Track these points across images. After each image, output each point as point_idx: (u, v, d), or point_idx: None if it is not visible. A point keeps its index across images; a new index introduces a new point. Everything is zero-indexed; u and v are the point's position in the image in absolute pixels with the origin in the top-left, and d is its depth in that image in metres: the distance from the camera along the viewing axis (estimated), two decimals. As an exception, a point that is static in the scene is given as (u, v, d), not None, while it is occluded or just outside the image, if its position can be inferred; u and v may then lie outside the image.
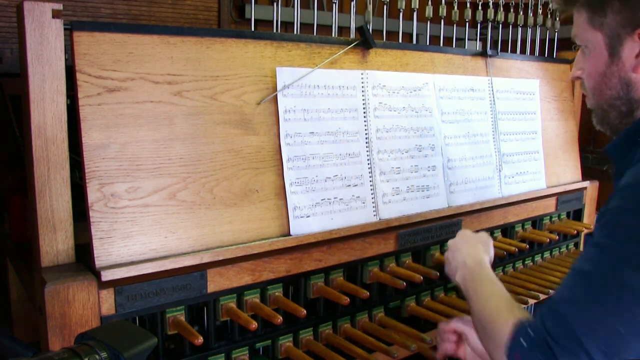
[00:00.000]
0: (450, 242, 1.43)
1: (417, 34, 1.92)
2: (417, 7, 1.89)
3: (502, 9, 2.17)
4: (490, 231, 1.97)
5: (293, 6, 1.67)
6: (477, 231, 1.50)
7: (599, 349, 0.90)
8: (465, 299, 1.30)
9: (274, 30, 1.60)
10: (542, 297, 1.81)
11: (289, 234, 1.45)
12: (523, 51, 2.28)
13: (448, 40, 2.05)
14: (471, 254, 1.33)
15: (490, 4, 2.12)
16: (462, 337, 1.35)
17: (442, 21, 1.99)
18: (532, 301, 1.81)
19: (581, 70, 1.20)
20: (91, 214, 1.18)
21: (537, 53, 2.33)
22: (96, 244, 1.18)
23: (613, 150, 1.17)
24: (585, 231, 2.35)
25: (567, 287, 1.00)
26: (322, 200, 1.51)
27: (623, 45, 1.10)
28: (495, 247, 1.86)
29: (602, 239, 0.99)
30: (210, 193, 1.33)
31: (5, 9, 1.82)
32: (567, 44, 2.48)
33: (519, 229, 2.10)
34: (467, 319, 1.40)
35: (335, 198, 1.54)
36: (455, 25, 2.01)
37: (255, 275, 1.39)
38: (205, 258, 1.28)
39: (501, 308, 1.11)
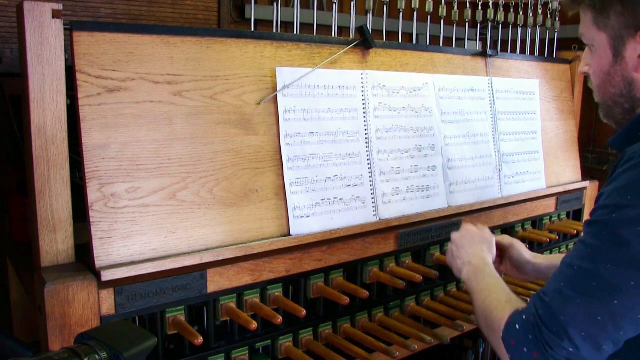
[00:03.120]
0: (454, 236, 1.52)
1: (417, 34, 1.92)
2: (417, 7, 1.89)
3: (502, 9, 2.17)
4: (490, 231, 1.97)
5: (293, 6, 1.67)
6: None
7: (579, 334, 1.02)
8: (468, 294, 1.40)
9: (274, 30, 1.60)
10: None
11: (289, 234, 1.45)
12: (523, 51, 2.28)
13: (448, 40, 2.05)
14: (476, 253, 1.43)
15: (490, 4, 2.12)
16: (504, 253, 1.60)
17: (442, 21, 1.99)
18: (532, 301, 1.81)
19: (588, 66, 1.25)
20: (91, 214, 1.18)
21: (537, 53, 2.33)
22: (96, 244, 1.18)
23: (614, 142, 1.24)
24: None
25: (556, 278, 1.11)
26: (322, 200, 1.51)
27: (626, 46, 1.14)
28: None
29: (589, 238, 1.08)
30: (210, 193, 1.33)
31: (5, 9, 1.82)
32: (567, 44, 2.49)
33: (519, 229, 2.10)
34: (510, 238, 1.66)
35: (335, 198, 1.54)
36: (455, 25, 2.01)
37: (255, 275, 1.39)
38: (205, 258, 1.28)
39: (500, 299, 1.21)
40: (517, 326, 1.10)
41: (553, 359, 1.05)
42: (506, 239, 1.64)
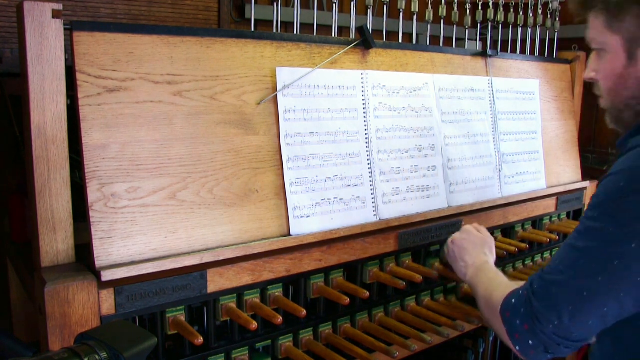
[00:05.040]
0: (455, 238, 1.57)
1: (417, 34, 1.92)
2: (417, 10, 1.89)
3: (502, 9, 2.17)
4: (491, 231, 1.96)
5: (293, 6, 1.67)
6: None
7: (566, 308, 1.08)
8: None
9: (274, 30, 1.60)
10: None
11: (289, 234, 1.45)
12: (523, 51, 2.28)
13: (448, 41, 2.05)
14: (479, 256, 1.49)
15: (490, 4, 2.12)
16: None
17: (442, 21, 1.99)
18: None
19: (595, 72, 1.23)
20: (91, 214, 1.18)
21: (537, 53, 2.33)
22: (96, 244, 1.18)
23: (622, 143, 1.24)
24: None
25: (554, 256, 1.17)
26: (322, 200, 1.51)
27: None
28: (495, 247, 1.88)
29: (587, 220, 1.13)
30: (210, 193, 1.33)
31: (5, 9, 1.82)
32: (567, 44, 2.49)
33: (519, 229, 2.10)
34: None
35: (335, 198, 1.54)
36: (455, 26, 2.01)
37: (255, 275, 1.39)
38: (205, 258, 1.28)
39: (502, 284, 1.30)
40: (513, 300, 1.17)
41: (541, 332, 1.09)
42: None
